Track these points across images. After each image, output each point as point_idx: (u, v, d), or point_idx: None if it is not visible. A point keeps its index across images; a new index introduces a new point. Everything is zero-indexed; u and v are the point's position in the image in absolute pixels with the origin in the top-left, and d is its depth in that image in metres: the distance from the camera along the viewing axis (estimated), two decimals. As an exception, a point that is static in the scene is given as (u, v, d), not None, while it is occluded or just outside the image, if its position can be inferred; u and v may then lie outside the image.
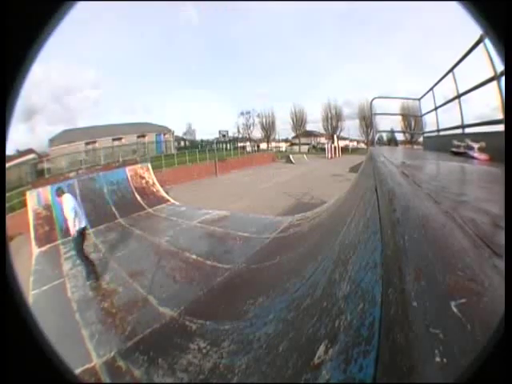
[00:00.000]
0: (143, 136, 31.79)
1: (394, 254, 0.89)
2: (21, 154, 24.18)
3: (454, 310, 0.50)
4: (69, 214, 4.44)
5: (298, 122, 46.02)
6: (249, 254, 4.33)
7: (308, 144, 47.26)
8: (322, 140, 46.20)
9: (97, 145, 27.67)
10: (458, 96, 3.92)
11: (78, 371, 2.35)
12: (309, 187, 12.94)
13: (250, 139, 43.32)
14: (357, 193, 3.20)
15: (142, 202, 9.45)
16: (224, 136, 33.06)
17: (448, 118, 4.82)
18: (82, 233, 4.59)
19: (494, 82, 2.69)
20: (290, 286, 2.60)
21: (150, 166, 11.35)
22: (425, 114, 5.92)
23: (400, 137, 37.44)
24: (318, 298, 1.81)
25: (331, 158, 33.12)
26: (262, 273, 3.53)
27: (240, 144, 37.69)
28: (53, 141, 27.91)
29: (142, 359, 2.37)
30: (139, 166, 11.05)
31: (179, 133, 41.36)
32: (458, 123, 3.95)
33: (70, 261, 5.56)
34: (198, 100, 77.86)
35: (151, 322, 2.92)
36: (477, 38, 2.92)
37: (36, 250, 6.64)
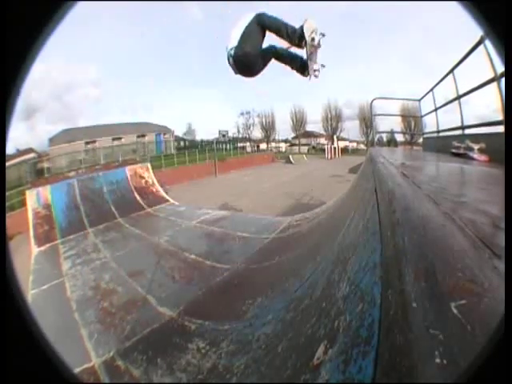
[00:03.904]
0: (143, 136, 31.77)
1: (394, 254, 0.89)
2: (21, 153, 24.16)
3: (454, 310, 0.50)
4: None
5: (298, 122, 46.07)
6: (248, 254, 4.33)
7: (308, 145, 47.30)
8: (322, 141, 46.24)
9: (96, 144, 27.64)
10: (458, 97, 3.93)
11: (77, 370, 2.35)
12: (308, 188, 12.94)
13: (249, 139, 43.31)
14: (356, 194, 3.20)
15: (141, 201, 9.44)
16: (224, 136, 33.03)
17: (448, 119, 4.83)
18: None
19: (495, 83, 2.70)
20: (289, 286, 2.60)
21: (149, 165, 11.34)
22: (425, 114, 5.93)
23: (400, 138, 37.63)
24: (317, 299, 1.81)
25: (331, 158, 33.15)
26: (261, 273, 3.52)
27: (240, 144, 37.71)
28: (53, 140, 27.90)
29: (141, 359, 2.36)
30: (139, 165, 11.03)
31: (179, 133, 41.36)
32: (458, 124, 3.96)
33: (69, 260, 5.56)
34: (198, 100, 77.78)
35: (150, 321, 2.92)
36: (477, 38, 2.93)
37: (35, 250, 6.63)
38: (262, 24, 2.79)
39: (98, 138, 28.40)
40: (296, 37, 2.73)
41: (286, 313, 2.11)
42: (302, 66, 2.92)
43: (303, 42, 2.74)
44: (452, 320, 0.48)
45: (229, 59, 2.93)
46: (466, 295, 0.52)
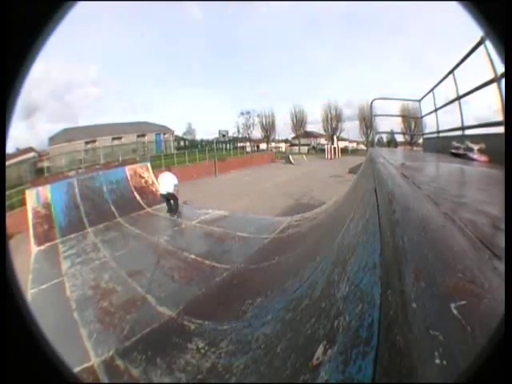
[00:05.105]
0: (143, 135, 31.73)
1: (394, 255, 0.88)
2: (21, 152, 24.14)
3: (454, 311, 0.50)
4: None
5: (298, 122, 46.03)
6: (248, 254, 4.33)
7: (308, 145, 47.28)
8: (322, 141, 46.22)
9: (97, 144, 27.59)
10: (459, 97, 3.93)
11: (76, 370, 2.35)
12: (308, 188, 12.94)
13: (249, 139, 43.28)
14: (356, 194, 3.20)
15: (141, 201, 9.43)
16: (224, 136, 32.98)
17: (448, 120, 4.83)
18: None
19: (495, 84, 2.70)
20: (288, 286, 2.60)
21: (149, 165, 11.33)
22: (425, 115, 5.91)
23: (400, 138, 37.60)
24: (316, 299, 1.81)
25: (331, 158, 33.15)
26: (261, 273, 3.52)
27: (240, 144, 37.69)
28: (53, 139, 27.85)
29: (140, 358, 2.36)
30: (139, 165, 11.01)
31: (179, 132, 41.32)
32: (458, 125, 3.95)
33: (68, 260, 5.56)
34: (198, 100, 77.62)
35: (149, 321, 2.92)
36: (477, 39, 2.92)
37: (35, 249, 6.63)
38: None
39: (98, 138, 28.35)
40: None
41: (286, 313, 2.11)
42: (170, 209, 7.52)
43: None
44: (452, 321, 0.48)
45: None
46: (465, 296, 0.52)
